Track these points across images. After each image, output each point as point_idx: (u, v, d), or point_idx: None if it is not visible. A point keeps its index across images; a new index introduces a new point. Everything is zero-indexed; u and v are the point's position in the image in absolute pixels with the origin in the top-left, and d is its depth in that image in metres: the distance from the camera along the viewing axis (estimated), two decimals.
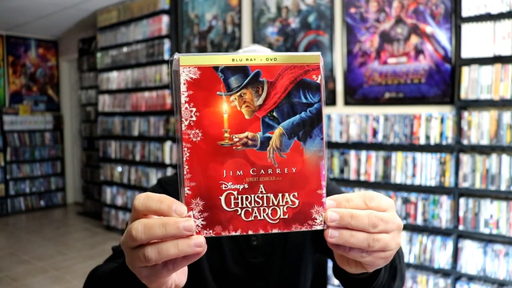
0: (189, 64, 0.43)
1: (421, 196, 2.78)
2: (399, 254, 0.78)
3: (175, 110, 0.44)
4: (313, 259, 1.01)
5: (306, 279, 0.98)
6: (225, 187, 0.44)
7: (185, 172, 0.43)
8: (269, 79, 0.45)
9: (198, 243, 0.42)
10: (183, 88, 0.43)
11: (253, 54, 0.45)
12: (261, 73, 0.45)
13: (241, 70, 0.45)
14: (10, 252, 4.44)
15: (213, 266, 0.94)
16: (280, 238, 0.97)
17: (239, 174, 0.45)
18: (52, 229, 5.45)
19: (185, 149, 0.43)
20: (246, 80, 0.45)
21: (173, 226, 0.42)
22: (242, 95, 0.45)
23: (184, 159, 0.43)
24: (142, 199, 0.44)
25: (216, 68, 0.44)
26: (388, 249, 0.46)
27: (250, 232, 0.45)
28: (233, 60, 0.44)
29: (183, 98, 0.43)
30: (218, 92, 0.44)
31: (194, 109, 0.43)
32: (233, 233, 0.44)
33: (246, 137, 0.45)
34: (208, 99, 0.44)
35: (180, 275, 0.51)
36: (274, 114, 0.45)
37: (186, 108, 0.43)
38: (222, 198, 0.44)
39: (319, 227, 0.46)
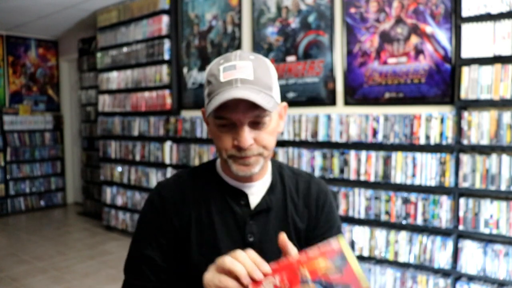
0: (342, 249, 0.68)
1: (421, 196, 2.78)
2: None
3: None
4: None
5: None
6: None
7: None
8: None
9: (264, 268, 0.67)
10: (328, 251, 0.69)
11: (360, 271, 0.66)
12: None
13: None
14: (10, 252, 4.44)
15: (209, 263, 0.94)
16: (275, 236, 0.97)
17: None
18: (52, 229, 5.45)
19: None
20: None
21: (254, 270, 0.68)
22: None
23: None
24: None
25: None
26: None
27: None
28: None
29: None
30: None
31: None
32: None
33: None
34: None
35: None
36: None
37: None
38: None
39: None
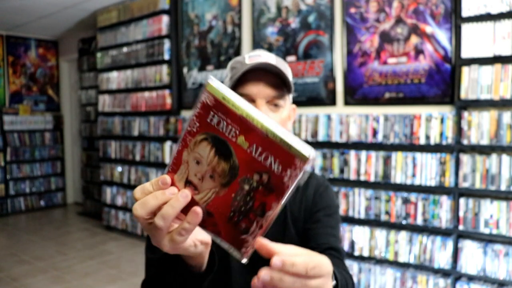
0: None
1: (421, 196, 2.78)
2: (352, 284, 0.85)
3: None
4: None
5: None
6: None
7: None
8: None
9: (184, 195, 0.52)
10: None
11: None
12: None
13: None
14: (10, 252, 4.44)
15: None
16: (279, 232, 0.98)
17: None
18: (52, 229, 5.45)
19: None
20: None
21: (160, 193, 0.53)
22: None
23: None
24: (139, 189, 0.55)
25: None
26: None
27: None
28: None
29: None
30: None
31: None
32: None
33: None
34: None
35: (201, 233, 0.60)
36: None
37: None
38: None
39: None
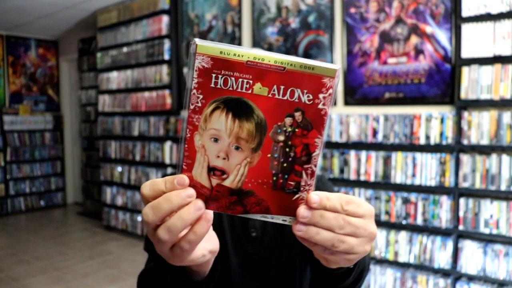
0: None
1: (421, 196, 2.78)
2: (368, 265, 0.81)
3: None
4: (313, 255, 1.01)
5: (303, 274, 0.98)
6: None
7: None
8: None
9: (197, 207, 0.44)
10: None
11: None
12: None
13: None
14: (10, 252, 4.44)
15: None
16: (277, 232, 0.98)
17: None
18: (52, 229, 5.45)
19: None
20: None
21: (176, 196, 0.44)
22: None
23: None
24: (148, 185, 0.46)
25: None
26: (353, 253, 0.48)
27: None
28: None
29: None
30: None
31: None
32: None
33: None
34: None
35: (209, 241, 0.54)
36: None
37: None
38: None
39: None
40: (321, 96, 0.44)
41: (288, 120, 0.44)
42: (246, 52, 0.43)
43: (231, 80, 0.44)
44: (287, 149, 0.45)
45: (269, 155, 0.45)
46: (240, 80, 0.44)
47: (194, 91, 0.44)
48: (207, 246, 0.53)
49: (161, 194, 0.45)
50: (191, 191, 0.44)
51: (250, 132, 0.44)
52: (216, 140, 0.45)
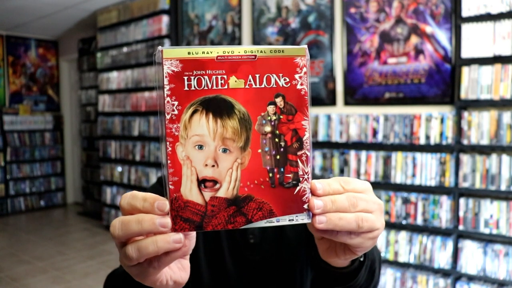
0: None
1: (421, 196, 2.78)
2: (379, 259, 0.79)
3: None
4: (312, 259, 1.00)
5: (304, 278, 0.98)
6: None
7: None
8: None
9: (176, 240, 0.41)
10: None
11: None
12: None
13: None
14: (10, 252, 4.44)
15: (211, 262, 0.94)
16: (276, 236, 0.97)
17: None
18: (52, 229, 5.45)
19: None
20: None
21: (149, 222, 0.41)
22: None
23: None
24: (128, 197, 0.43)
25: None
26: (375, 229, 0.48)
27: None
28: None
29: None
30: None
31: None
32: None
33: None
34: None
35: (178, 272, 0.50)
36: None
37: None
38: None
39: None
40: (297, 76, 0.44)
41: (270, 108, 0.43)
42: (214, 48, 0.42)
43: (204, 79, 0.42)
44: (277, 140, 0.44)
45: (259, 151, 0.43)
46: (214, 77, 0.42)
47: (168, 98, 0.41)
48: (174, 275, 0.49)
49: (136, 212, 0.43)
50: (167, 221, 0.41)
51: (235, 130, 0.42)
52: (201, 147, 0.42)
